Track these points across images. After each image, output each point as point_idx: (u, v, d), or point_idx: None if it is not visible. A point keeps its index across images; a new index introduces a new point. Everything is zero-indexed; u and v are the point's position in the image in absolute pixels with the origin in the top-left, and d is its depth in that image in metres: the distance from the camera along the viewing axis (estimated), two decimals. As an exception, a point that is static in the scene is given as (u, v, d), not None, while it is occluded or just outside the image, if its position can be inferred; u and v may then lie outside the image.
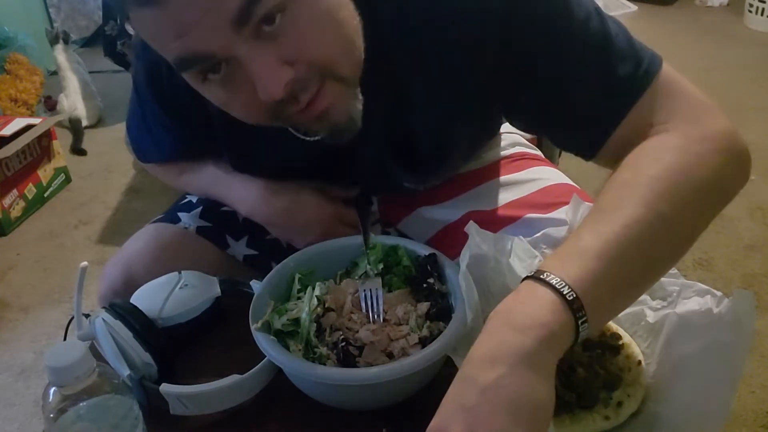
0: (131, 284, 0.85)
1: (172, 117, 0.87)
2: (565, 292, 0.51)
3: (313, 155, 0.79)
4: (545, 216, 0.89)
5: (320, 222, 0.88)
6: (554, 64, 0.67)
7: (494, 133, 0.94)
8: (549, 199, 0.91)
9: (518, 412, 0.47)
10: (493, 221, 0.89)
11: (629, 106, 0.65)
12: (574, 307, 0.51)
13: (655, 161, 0.60)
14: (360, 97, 0.68)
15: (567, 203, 0.88)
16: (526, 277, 0.54)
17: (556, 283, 0.51)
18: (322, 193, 0.90)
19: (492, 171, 0.99)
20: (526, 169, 0.98)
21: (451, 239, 0.91)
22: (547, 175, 0.97)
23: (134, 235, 0.97)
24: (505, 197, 0.95)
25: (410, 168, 0.82)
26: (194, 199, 1.00)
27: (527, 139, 1.09)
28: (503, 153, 1.02)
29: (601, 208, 0.58)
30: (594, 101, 0.67)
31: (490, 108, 0.78)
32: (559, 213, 0.88)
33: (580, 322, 0.51)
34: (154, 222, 0.98)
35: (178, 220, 0.96)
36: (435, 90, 0.73)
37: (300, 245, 0.87)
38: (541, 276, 0.52)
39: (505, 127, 1.08)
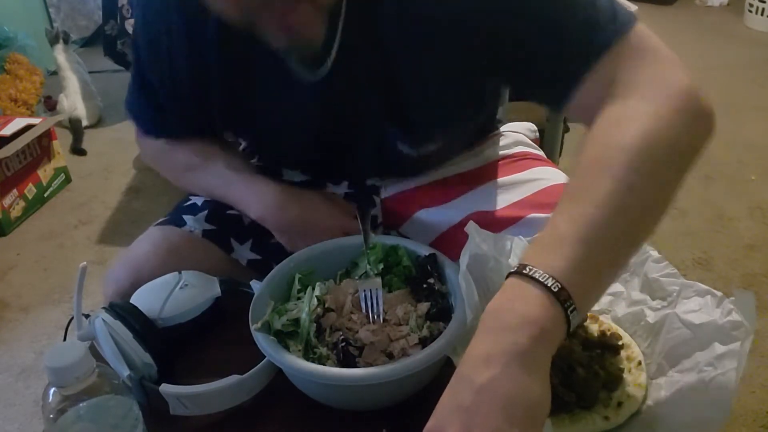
0: (139, 286, 0.84)
1: (171, 94, 0.88)
2: (549, 285, 0.51)
3: (311, 114, 0.82)
4: (546, 216, 0.88)
5: (330, 232, 0.87)
6: (527, 18, 0.69)
7: (483, 101, 0.91)
8: (550, 199, 0.91)
9: (513, 411, 0.47)
10: (494, 222, 0.89)
11: (597, 57, 0.66)
12: (561, 298, 0.51)
13: (620, 132, 0.59)
14: (327, 23, 0.70)
15: None
16: (510, 273, 0.54)
17: (540, 277, 0.51)
18: (333, 202, 0.90)
19: (492, 171, 0.99)
20: (527, 170, 0.98)
21: (452, 242, 0.90)
22: (548, 175, 0.97)
23: (140, 238, 0.96)
24: (505, 198, 0.95)
25: (403, 126, 0.83)
26: (199, 202, 0.99)
27: (531, 139, 1.09)
28: (505, 152, 1.02)
29: (573, 191, 0.58)
30: (563, 53, 0.68)
31: (470, 63, 0.77)
32: None
33: (569, 311, 0.51)
34: (159, 224, 0.97)
35: (184, 223, 0.96)
36: (417, 47, 0.75)
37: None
38: (524, 271, 0.52)
39: (507, 126, 1.09)
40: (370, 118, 0.84)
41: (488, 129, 1.07)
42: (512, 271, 0.54)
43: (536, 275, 0.52)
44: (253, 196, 0.90)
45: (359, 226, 0.83)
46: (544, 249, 0.54)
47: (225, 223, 0.97)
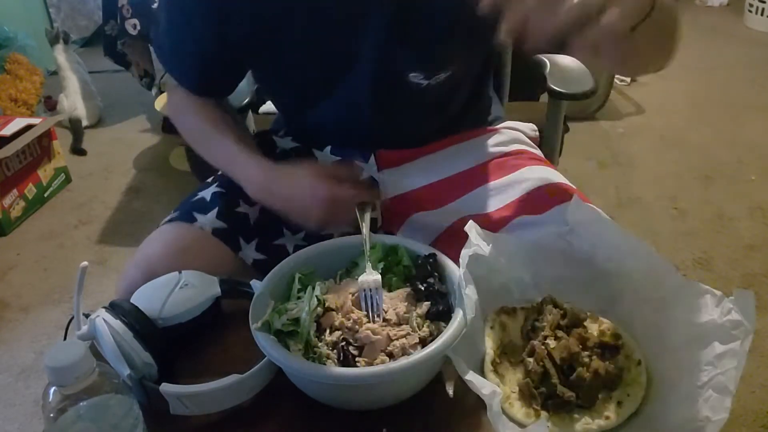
0: None
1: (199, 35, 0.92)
2: None
3: (327, 45, 0.88)
4: (540, 217, 0.89)
5: (318, 205, 0.87)
6: None
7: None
8: (545, 199, 0.91)
9: None
10: (490, 223, 0.90)
11: None
12: None
13: None
14: None
15: (562, 203, 0.88)
16: None
17: None
18: (317, 174, 0.89)
19: (486, 172, 1.00)
20: (521, 169, 0.98)
21: (448, 244, 0.91)
22: (543, 175, 0.97)
23: (150, 237, 0.97)
24: (501, 198, 0.95)
25: (415, 46, 0.85)
26: (207, 197, 1.00)
27: (531, 138, 1.10)
28: (502, 149, 1.03)
29: None
30: None
31: None
32: (555, 213, 0.88)
33: None
34: (170, 221, 0.98)
35: (194, 219, 0.96)
36: None
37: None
38: None
39: (506, 123, 1.09)
40: (386, 41, 0.86)
41: (484, 110, 1.09)
42: None
43: None
44: (247, 176, 0.92)
45: (359, 224, 0.83)
46: None
47: (234, 222, 0.98)
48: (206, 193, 1.01)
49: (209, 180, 1.05)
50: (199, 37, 0.92)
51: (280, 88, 1.05)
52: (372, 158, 1.03)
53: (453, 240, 0.76)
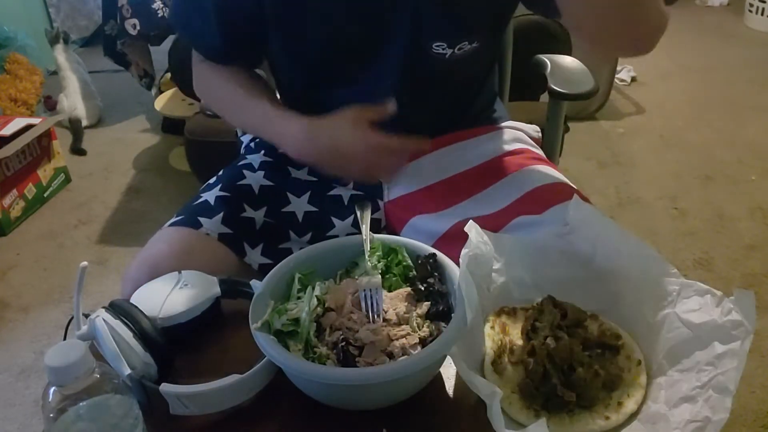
0: None
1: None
2: None
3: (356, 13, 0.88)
4: (540, 217, 0.89)
5: (364, 155, 0.85)
6: None
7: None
8: (545, 198, 0.92)
9: None
10: (490, 223, 0.90)
11: None
12: None
13: None
14: None
15: (562, 202, 0.88)
16: None
17: None
18: (360, 120, 0.87)
19: (489, 171, 1.00)
20: (522, 168, 0.98)
21: (448, 247, 0.91)
22: (543, 174, 0.97)
23: (154, 237, 0.96)
24: (501, 199, 0.95)
25: (444, 12, 0.86)
26: (212, 200, 0.99)
27: (533, 138, 1.10)
28: (505, 148, 1.03)
29: None
30: None
31: None
32: (554, 212, 0.88)
33: None
34: (173, 225, 0.97)
35: (199, 224, 0.96)
36: None
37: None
38: None
39: (509, 123, 1.09)
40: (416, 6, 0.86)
41: (486, 108, 1.09)
42: None
43: None
44: (288, 133, 0.90)
45: (359, 220, 0.83)
46: None
47: (240, 227, 0.97)
48: (210, 196, 1.00)
49: (211, 182, 1.05)
50: None
51: (296, 67, 1.02)
52: None
53: (453, 243, 0.76)
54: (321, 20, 0.90)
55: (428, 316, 0.72)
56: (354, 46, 0.92)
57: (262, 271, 0.96)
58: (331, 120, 0.87)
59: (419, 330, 0.70)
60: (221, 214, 0.97)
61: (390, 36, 0.90)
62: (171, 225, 0.97)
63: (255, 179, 1.02)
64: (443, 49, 0.90)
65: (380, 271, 0.77)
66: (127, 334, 0.71)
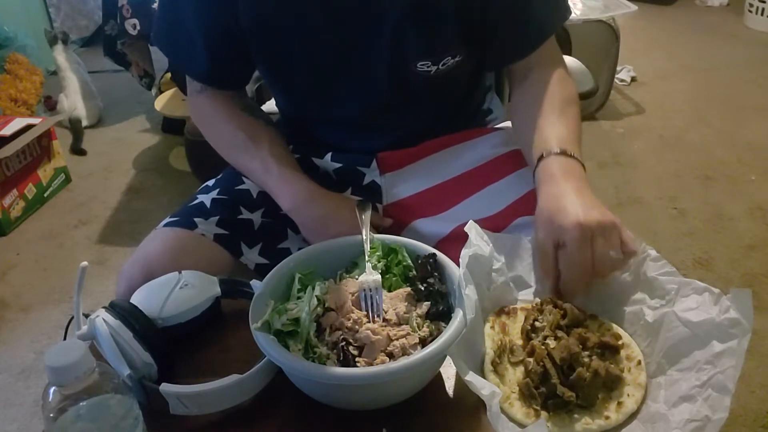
0: None
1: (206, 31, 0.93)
2: (579, 159, 0.84)
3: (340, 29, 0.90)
4: (531, 217, 0.89)
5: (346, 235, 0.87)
6: None
7: None
8: (534, 202, 0.91)
9: (597, 205, 0.76)
10: (490, 224, 0.90)
11: (550, 33, 0.95)
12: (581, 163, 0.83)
13: (567, 86, 0.95)
14: None
15: None
16: (554, 154, 0.83)
17: (577, 157, 0.83)
18: (353, 210, 0.90)
19: (487, 173, 1.00)
20: (520, 169, 0.98)
21: (448, 249, 0.91)
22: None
23: (149, 237, 0.96)
24: (500, 200, 0.95)
25: (425, 31, 0.89)
26: (207, 203, 0.99)
27: None
28: (503, 149, 1.03)
29: (559, 113, 0.90)
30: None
31: None
32: None
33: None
34: (169, 225, 0.97)
35: (195, 226, 0.96)
36: None
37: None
38: (569, 154, 0.83)
39: (507, 123, 1.09)
40: (400, 24, 0.88)
41: (477, 108, 1.10)
42: (556, 152, 0.83)
43: (575, 156, 0.83)
44: (288, 190, 0.94)
45: (359, 220, 0.83)
46: (570, 145, 0.84)
47: (236, 228, 0.97)
48: (206, 198, 1.00)
49: (209, 184, 1.05)
50: (205, 14, 0.91)
51: (284, 88, 1.04)
52: (374, 162, 1.03)
53: (455, 246, 0.76)
54: (300, 42, 0.92)
55: (428, 316, 0.72)
56: (336, 68, 0.94)
57: (258, 271, 0.96)
58: (334, 195, 0.94)
59: (419, 330, 0.70)
60: (217, 217, 0.97)
61: (372, 59, 0.91)
62: (166, 225, 0.97)
63: (253, 184, 1.02)
64: (428, 66, 0.92)
65: (380, 271, 0.77)
66: (127, 334, 0.71)
